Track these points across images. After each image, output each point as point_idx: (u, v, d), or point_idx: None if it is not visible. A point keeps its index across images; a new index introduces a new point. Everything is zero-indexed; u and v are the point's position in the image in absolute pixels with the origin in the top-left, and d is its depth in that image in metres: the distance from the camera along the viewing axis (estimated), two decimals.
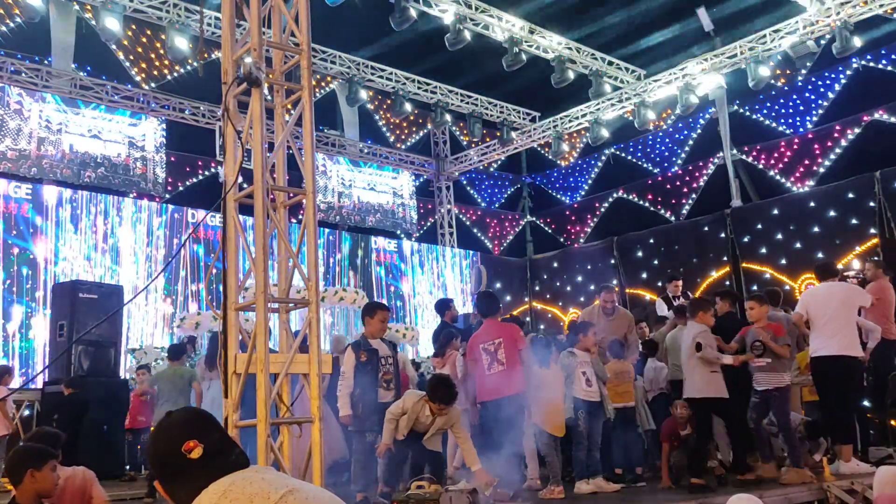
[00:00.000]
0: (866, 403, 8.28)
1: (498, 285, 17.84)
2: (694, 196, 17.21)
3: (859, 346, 7.07)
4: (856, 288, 7.48)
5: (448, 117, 16.75)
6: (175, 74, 14.85)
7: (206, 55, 14.14)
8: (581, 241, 19.33)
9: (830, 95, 15.49)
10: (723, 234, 15.40)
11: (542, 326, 17.75)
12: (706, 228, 15.75)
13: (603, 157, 19.31)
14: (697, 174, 17.24)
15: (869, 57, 14.79)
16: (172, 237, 14.11)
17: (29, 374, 11.87)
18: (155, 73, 14.77)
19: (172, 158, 14.87)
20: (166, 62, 14.49)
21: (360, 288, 16.08)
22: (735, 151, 16.19)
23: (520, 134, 17.97)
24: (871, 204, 13.36)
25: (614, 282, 16.51)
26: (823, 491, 5.98)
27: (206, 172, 15.47)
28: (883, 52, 14.64)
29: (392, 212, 17.86)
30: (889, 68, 14.59)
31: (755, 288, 13.96)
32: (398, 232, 18.04)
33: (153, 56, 14.68)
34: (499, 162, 19.98)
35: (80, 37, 13.70)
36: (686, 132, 17.77)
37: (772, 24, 14.04)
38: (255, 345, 3.96)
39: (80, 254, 13.05)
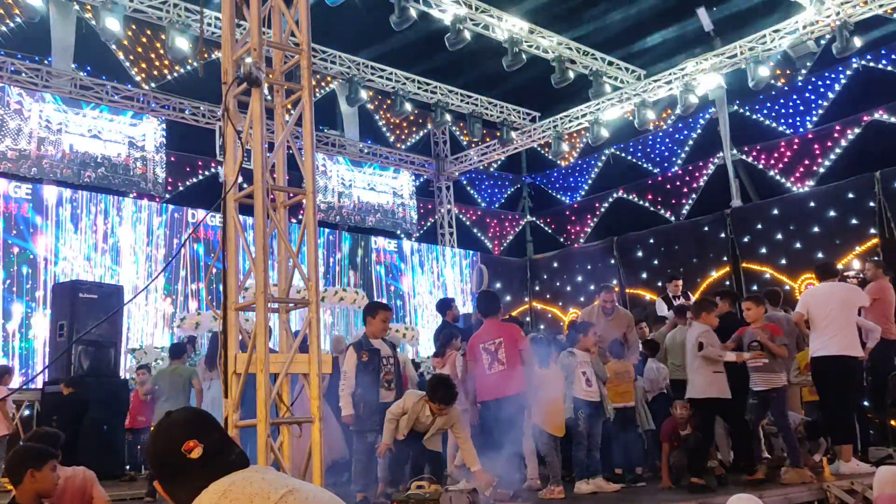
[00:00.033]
0: (866, 403, 8.28)
1: (498, 285, 17.83)
2: (694, 196, 17.21)
3: (859, 346, 7.07)
4: (855, 288, 7.48)
5: (448, 117, 16.75)
6: (175, 74, 14.85)
7: (206, 55, 14.14)
8: (581, 241, 19.34)
9: (830, 95, 15.49)
10: (723, 234, 15.41)
11: (542, 326, 17.74)
12: (706, 228, 15.75)
13: (603, 157, 19.30)
14: (697, 174, 17.24)
15: (869, 57, 14.79)
16: (172, 237, 14.11)
17: (29, 374, 11.86)
18: (155, 73, 14.77)
19: (172, 158, 14.87)
20: (166, 62, 14.49)
21: (360, 287, 16.09)
22: (735, 151, 16.19)
23: (520, 134, 17.97)
24: (871, 204, 13.36)
25: (614, 282, 16.51)
26: (823, 491, 5.98)
27: (206, 172, 15.48)
28: (883, 52, 14.64)
29: (392, 212, 17.86)
30: (889, 68, 14.59)
31: (755, 288, 13.98)
32: (398, 232, 18.04)
33: (153, 56, 14.68)
34: (499, 162, 19.98)
35: (80, 37, 13.70)
36: (686, 132, 17.77)
37: (772, 24, 14.04)
38: (255, 345, 3.96)
39: (80, 254, 13.05)
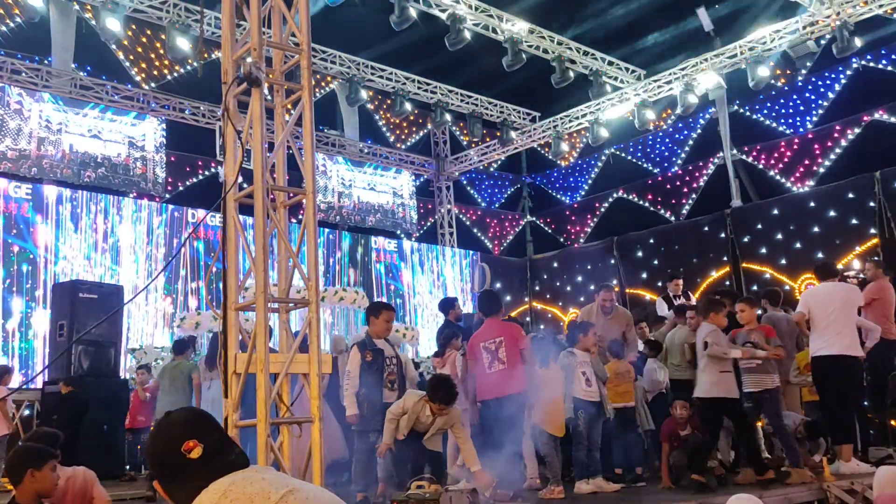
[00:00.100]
0: (866, 403, 8.28)
1: (498, 285, 17.84)
2: (694, 196, 17.21)
3: (860, 346, 7.09)
4: (855, 288, 7.49)
5: (448, 117, 16.74)
6: (175, 74, 14.85)
7: (206, 55, 14.14)
8: (581, 241, 19.34)
9: (830, 95, 15.49)
10: (723, 234, 15.41)
11: (542, 326, 17.74)
12: (706, 228, 15.76)
13: (603, 157, 19.31)
14: (697, 174, 17.24)
15: (869, 57, 14.79)
16: (172, 236, 14.11)
17: (29, 374, 11.86)
18: (155, 73, 14.77)
19: (172, 158, 14.87)
20: (166, 62, 14.49)
21: (360, 285, 16.10)
22: (735, 151, 16.19)
23: (520, 134, 17.97)
24: (871, 204, 13.37)
25: (614, 282, 16.51)
26: (823, 491, 5.98)
27: (206, 172, 15.48)
28: (883, 52, 14.64)
29: (392, 212, 17.86)
30: (889, 68, 14.59)
31: (755, 288, 13.98)
32: (398, 232, 18.04)
33: (153, 56, 14.68)
34: (499, 162, 19.98)
35: (80, 37, 13.70)
36: (686, 132, 17.77)
37: (772, 24, 14.04)
38: (255, 345, 3.96)
39: (80, 253, 13.05)
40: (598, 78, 15.05)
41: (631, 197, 18.40)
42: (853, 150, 14.77)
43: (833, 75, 15.39)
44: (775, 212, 14.76)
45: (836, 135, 15.07)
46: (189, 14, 12.72)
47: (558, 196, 20.66)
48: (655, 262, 16.46)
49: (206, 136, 14.46)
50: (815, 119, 15.65)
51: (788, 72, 15.47)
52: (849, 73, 15.21)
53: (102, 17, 11.98)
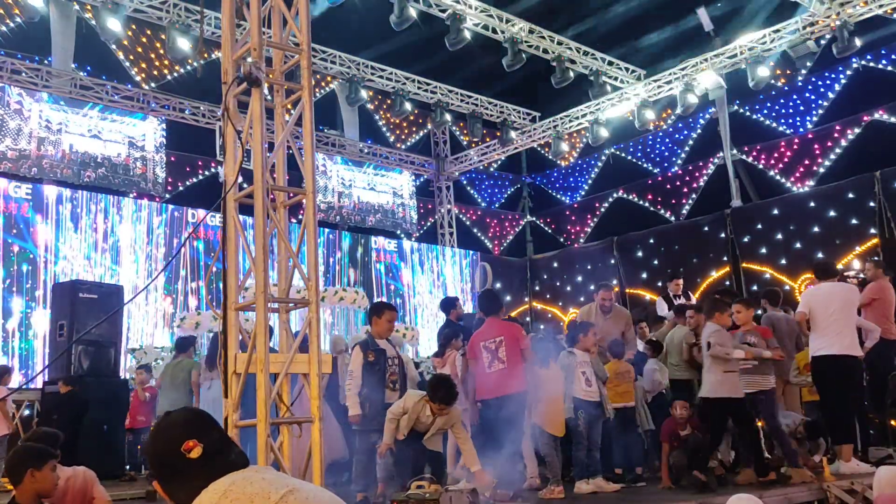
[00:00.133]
0: (866, 403, 8.28)
1: (498, 285, 17.83)
2: (694, 196, 17.21)
3: (859, 346, 7.10)
4: (854, 288, 7.51)
5: (448, 117, 16.74)
6: (175, 74, 14.85)
7: (206, 55, 14.14)
8: (581, 241, 19.34)
9: (830, 95, 15.49)
10: (723, 234, 15.41)
11: (542, 326, 17.74)
12: (706, 228, 15.76)
13: (603, 157, 19.31)
14: (697, 174, 17.24)
15: (869, 57, 14.79)
16: (172, 236, 14.11)
17: (29, 374, 11.86)
18: (155, 73, 14.77)
19: (172, 158, 14.86)
20: (166, 62, 14.49)
21: (359, 284, 16.11)
22: (735, 151, 16.19)
23: (520, 134, 17.97)
24: (871, 204, 13.37)
25: (614, 281, 16.51)
26: (823, 491, 5.98)
27: (206, 172, 15.47)
28: (883, 52, 14.64)
29: (392, 212, 17.86)
30: (889, 68, 14.59)
31: (755, 288, 13.98)
32: (398, 232, 18.04)
33: (153, 56, 14.67)
34: (499, 162, 19.98)
35: (80, 37, 13.70)
36: (686, 132, 17.77)
37: (772, 24, 14.04)
38: (255, 345, 3.96)
39: (80, 253, 13.05)
40: (598, 78, 15.04)
41: (631, 197, 18.40)
42: (853, 150, 14.78)
43: (833, 75, 15.40)
44: (775, 212, 14.76)
45: (836, 135, 15.07)
46: (189, 14, 12.72)
47: (558, 196, 20.66)
48: (655, 262, 16.46)
49: (206, 136, 14.45)
50: (815, 119, 15.65)
51: (788, 72, 15.47)
52: (849, 73, 15.21)
53: (103, 18, 11.97)
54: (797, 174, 15.54)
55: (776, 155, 15.88)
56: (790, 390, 8.09)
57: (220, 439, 1.99)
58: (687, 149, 17.69)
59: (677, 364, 8.00)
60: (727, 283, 14.81)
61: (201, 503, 1.84)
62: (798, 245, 14.20)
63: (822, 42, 13.66)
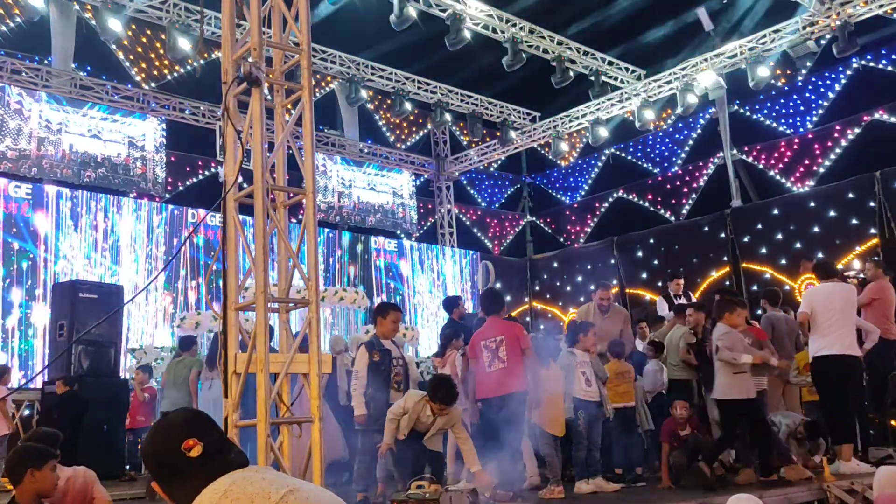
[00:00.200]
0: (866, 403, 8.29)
1: (498, 285, 17.82)
2: (694, 196, 17.21)
3: (857, 346, 7.11)
4: (853, 288, 7.52)
5: (448, 117, 16.74)
6: (175, 74, 14.84)
7: (206, 55, 14.14)
8: (581, 241, 19.34)
9: (830, 95, 15.48)
10: (723, 234, 15.40)
11: (542, 326, 17.75)
12: (706, 228, 15.75)
13: (603, 157, 19.30)
14: (697, 174, 17.24)
15: (869, 57, 14.79)
16: (172, 235, 14.11)
17: (29, 374, 11.86)
18: (155, 73, 14.76)
19: (172, 158, 14.86)
20: (166, 62, 14.48)
21: (359, 280, 16.13)
22: (735, 151, 16.19)
23: (520, 134, 17.96)
24: (871, 204, 13.36)
25: (614, 281, 16.51)
26: (823, 491, 5.98)
27: (206, 172, 15.47)
28: (883, 52, 14.64)
29: (392, 212, 17.85)
30: (889, 68, 14.59)
31: (755, 288, 13.99)
32: (398, 232, 18.04)
33: (153, 56, 14.67)
34: (499, 162, 19.97)
35: (80, 37, 13.69)
36: (686, 132, 17.77)
37: (772, 25, 14.03)
38: (255, 345, 3.96)
39: (80, 253, 13.04)
40: (598, 78, 15.04)
41: (631, 197, 18.40)
42: (853, 150, 14.77)
43: (833, 75, 15.39)
44: (775, 212, 14.76)
45: (836, 135, 15.07)
46: (189, 14, 12.71)
47: (558, 196, 20.66)
48: (655, 262, 16.46)
49: (206, 136, 14.45)
50: (815, 119, 15.65)
51: (788, 72, 15.47)
52: (849, 73, 15.20)
53: (103, 18, 11.97)
54: (797, 174, 15.54)
55: (776, 155, 15.88)
56: (790, 390, 8.09)
57: (219, 439, 1.99)
58: (687, 149, 17.68)
59: (676, 364, 8.00)
60: (727, 283, 14.80)
61: (201, 503, 1.83)
62: (798, 245, 14.20)
63: (823, 42, 13.65)
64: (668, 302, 10.10)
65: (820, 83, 15.62)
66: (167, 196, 14.66)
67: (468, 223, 19.85)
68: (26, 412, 10.28)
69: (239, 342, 4.16)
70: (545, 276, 18.97)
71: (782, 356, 7.46)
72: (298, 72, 4.47)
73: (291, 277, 4.44)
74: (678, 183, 17.55)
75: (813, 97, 15.73)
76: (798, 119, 15.90)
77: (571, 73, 14.41)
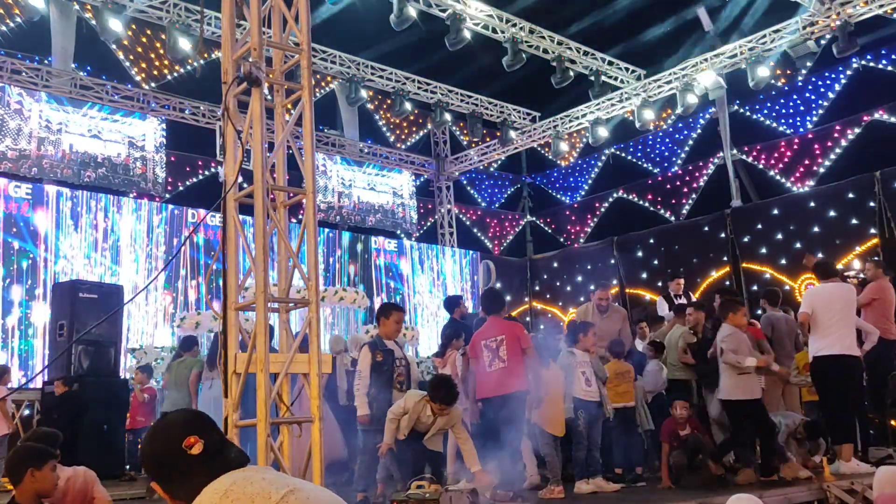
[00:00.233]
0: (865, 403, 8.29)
1: (498, 285, 17.82)
2: (694, 196, 17.20)
3: (856, 346, 7.12)
4: (852, 288, 7.53)
5: (448, 117, 16.73)
6: (175, 74, 14.84)
7: (206, 55, 14.14)
8: (581, 241, 19.33)
9: (830, 95, 15.48)
10: (723, 234, 15.40)
11: (542, 326, 17.75)
12: (706, 228, 15.75)
13: (603, 157, 19.30)
14: (697, 174, 17.24)
15: (869, 57, 14.78)
16: (172, 235, 14.11)
17: (29, 374, 11.86)
18: (155, 73, 14.76)
19: (172, 158, 14.85)
20: (166, 62, 14.48)
21: (359, 277, 16.13)
22: (735, 151, 16.18)
23: (520, 134, 17.96)
24: (871, 204, 13.36)
25: (614, 281, 16.52)
26: (823, 491, 5.98)
27: (206, 172, 15.47)
28: (883, 52, 14.63)
29: (392, 212, 17.85)
30: (889, 68, 14.59)
31: (755, 288, 13.99)
32: (398, 232, 18.03)
33: (153, 56, 14.67)
34: (499, 162, 19.97)
35: (80, 37, 13.69)
36: (686, 132, 17.76)
37: (772, 25, 14.04)
38: (255, 345, 3.96)
39: (80, 253, 13.04)
40: (598, 78, 15.04)
41: (631, 197, 18.40)
42: (853, 150, 14.77)
43: (833, 75, 15.39)
44: (775, 212, 14.76)
45: (836, 135, 15.07)
46: (189, 14, 12.71)
47: (558, 196, 20.65)
48: (655, 262, 16.46)
49: (206, 136, 14.45)
50: (815, 119, 15.65)
51: (788, 72, 15.47)
52: (849, 73, 15.20)
53: (104, 18, 11.96)
54: (797, 174, 15.54)
55: (776, 155, 15.88)
56: (790, 390, 8.09)
57: (219, 439, 1.99)
58: (687, 149, 17.68)
59: (675, 364, 8.01)
60: (727, 283, 14.80)
61: (202, 502, 1.83)
62: (798, 245, 14.19)
63: (823, 42, 13.65)
64: (668, 302, 10.11)
65: (820, 83, 15.62)
66: (167, 196, 14.65)
67: (468, 223, 19.85)
68: (26, 412, 10.28)
69: (239, 342, 4.16)
70: (545, 276, 18.97)
71: (782, 356, 7.48)
72: (298, 72, 4.47)
73: (291, 277, 4.44)
74: (678, 183, 17.55)
75: (813, 97, 15.73)
76: (798, 119, 15.90)
77: (571, 73, 14.41)
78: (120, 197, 13.77)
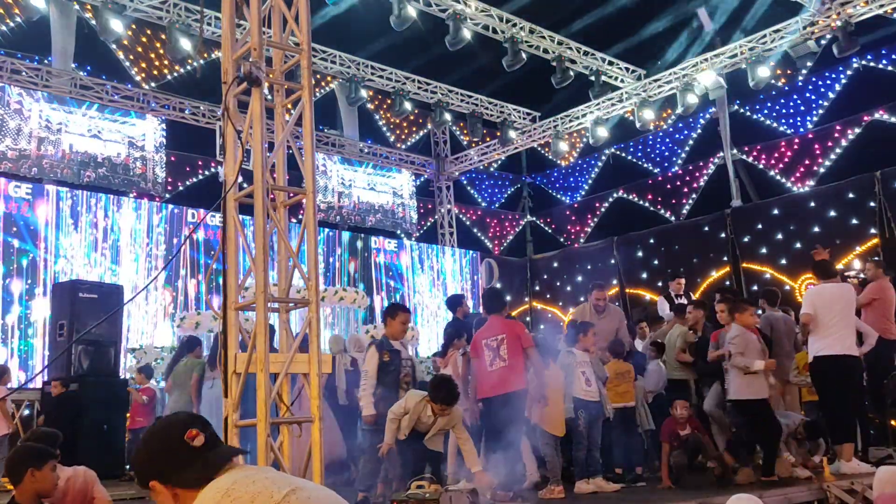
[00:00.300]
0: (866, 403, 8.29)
1: (498, 285, 17.82)
2: (694, 196, 17.20)
3: (857, 346, 7.13)
4: (852, 288, 7.54)
5: (448, 117, 16.73)
6: (175, 74, 14.84)
7: (206, 55, 14.14)
8: (581, 241, 19.33)
9: (830, 95, 15.48)
10: (723, 234, 15.40)
11: (542, 326, 17.75)
12: (706, 228, 15.75)
13: (603, 157, 19.30)
14: (697, 174, 17.24)
15: (869, 57, 14.78)
16: (172, 235, 14.11)
17: (29, 374, 11.86)
18: (155, 72, 14.76)
19: (172, 158, 14.85)
20: (166, 62, 14.48)
21: (359, 273, 16.14)
22: (735, 151, 16.18)
23: (520, 134, 17.96)
24: (871, 204, 13.36)
25: (614, 281, 16.52)
26: (823, 491, 5.98)
27: (206, 172, 15.46)
28: (883, 52, 14.63)
29: (392, 212, 17.85)
30: (889, 68, 14.58)
31: (755, 288, 13.98)
32: (398, 232, 18.03)
33: (153, 56, 14.67)
34: (499, 162, 19.97)
35: (80, 37, 13.69)
36: (686, 132, 17.76)
37: (772, 24, 14.03)
38: (255, 345, 3.96)
39: (80, 253, 13.04)
40: (598, 78, 15.04)
41: (631, 197, 18.39)
42: (853, 150, 14.76)
43: (833, 75, 15.39)
44: (775, 212, 14.76)
45: (836, 135, 15.06)
46: (189, 14, 12.71)
47: (558, 196, 20.65)
48: (655, 262, 16.45)
49: (206, 136, 14.44)
50: (815, 119, 15.64)
51: (789, 72, 15.46)
52: (849, 73, 15.19)
53: (104, 18, 11.95)
54: (797, 174, 15.53)
55: (776, 155, 15.87)
56: (790, 390, 8.09)
57: (215, 435, 2.00)
58: (687, 149, 17.67)
59: (674, 363, 8.01)
60: (727, 283, 14.80)
61: (203, 501, 1.83)
62: (798, 245, 14.19)
63: (823, 42, 13.65)
64: (668, 302, 10.10)
65: (820, 83, 15.62)
66: (167, 196, 14.65)
67: (468, 223, 19.84)
68: (26, 412, 10.28)
69: (239, 342, 4.16)
70: (545, 276, 18.97)
71: (781, 356, 7.48)
72: (298, 72, 4.47)
73: (291, 277, 4.44)
74: (678, 183, 17.55)
75: (813, 97, 15.72)
76: (798, 119, 15.90)
77: (571, 73, 14.40)
78: (120, 197, 13.77)
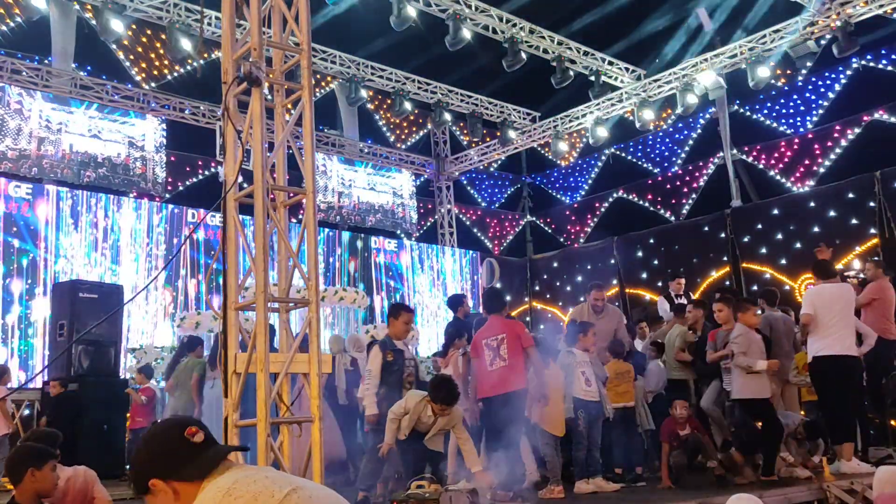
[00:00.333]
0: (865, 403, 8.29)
1: (498, 285, 17.81)
2: (694, 196, 17.20)
3: (856, 346, 7.13)
4: (851, 288, 7.54)
5: (448, 117, 16.73)
6: (175, 74, 14.84)
7: (206, 55, 14.14)
8: (581, 241, 19.33)
9: (830, 95, 15.48)
10: (723, 234, 15.40)
11: (542, 326, 17.75)
12: (706, 228, 15.75)
13: (603, 157, 19.30)
14: (697, 174, 17.24)
15: (869, 57, 14.78)
16: (172, 235, 14.11)
17: (29, 374, 11.86)
18: (155, 72, 14.76)
19: (172, 158, 14.85)
20: (166, 62, 14.48)
21: (358, 273, 16.14)
22: (735, 151, 16.18)
23: (520, 134, 17.96)
24: (871, 204, 13.36)
25: (614, 281, 16.51)
26: (823, 491, 5.99)
27: (206, 172, 15.46)
28: (883, 52, 14.63)
29: (392, 212, 17.85)
30: (889, 68, 14.58)
31: (755, 288, 13.98)
32: (398, 232, 18.03)
33: (153, 56, 14.67)
34: (499, 162, 19.97)
35: (80, 37, 13.70)
36: (686, 132, 17.76)
37: (771, 25, 14.03)
38: (255, 345, 3.96)
39: (80, 253, 13.04)
40: (597, 78, 15.04)
41: (631, 197, 18.39)
42: (853, 150, 14.77)
43: (833, 75, 15.39)
44: (775, 212, 14.76)
45: (836, 135, 15.06)
46: (189, 14, 12.71)
47: (558, 196, 20.65)
48: (655, 262, 16.45)
49: (206, 136, 14.45)
50: (815, 119, 15.64)
51: (788, 72, 15.46)
52: (849, 73, 15.19)
53: (105, 18, 11.95)
54: (797, 174, 15.53)
55: (776, 155, 15.88)
56: (789, 390, 8.09)
57: (212, 437, 2.01)
58: (687, 149, 17.67)
59: (673, 363, 8.01)
60: (727, 283, 14.80)
61: (205, 500, 1.83)
62: (798, 245, 14.20)
63: (823, 42, 13.65)
64: (668, 302, 10.11)
65: (820, 83, 15.62)
66: (167, 196, 14.65)
67: (468, 223, 19.85)
68: (26, 412, 10.28)
69: (239, 342, 4.16)
70: (545, 276, 18.97)
71: (780, 356, 7.48)
72: (298, 72, 4.47)
73: (291, 277, 4.44)
74: (678, 183, 17.55)
75: (813, 97, 15.73)
76: (798, 119, 15.90)
77: (571, 73, 14.40)
78: (120, 197, 13.77)
